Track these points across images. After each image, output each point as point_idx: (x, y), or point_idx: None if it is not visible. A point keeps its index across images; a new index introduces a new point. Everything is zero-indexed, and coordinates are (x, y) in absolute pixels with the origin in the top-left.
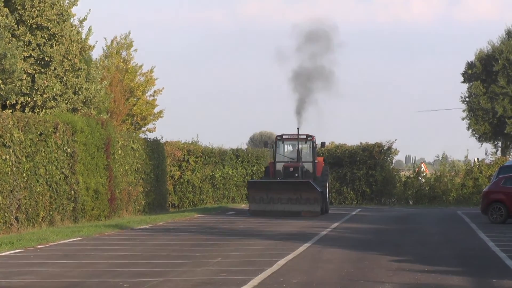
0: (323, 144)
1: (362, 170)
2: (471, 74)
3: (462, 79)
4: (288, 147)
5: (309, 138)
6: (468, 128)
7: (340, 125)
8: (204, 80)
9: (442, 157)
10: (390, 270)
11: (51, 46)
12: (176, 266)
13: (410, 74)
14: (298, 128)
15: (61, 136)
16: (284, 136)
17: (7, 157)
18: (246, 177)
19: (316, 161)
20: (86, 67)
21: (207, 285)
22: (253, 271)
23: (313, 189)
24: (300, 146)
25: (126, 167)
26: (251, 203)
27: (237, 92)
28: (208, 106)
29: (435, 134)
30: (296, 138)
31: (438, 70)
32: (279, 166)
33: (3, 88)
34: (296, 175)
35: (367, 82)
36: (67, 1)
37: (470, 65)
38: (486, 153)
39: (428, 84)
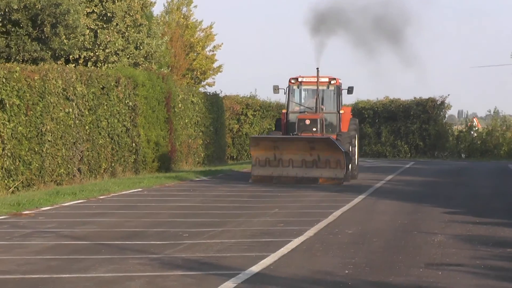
0: (350, 89)
1: (416, 124)
2: None
3: None
4: (306, 94)
5: (332, 82)
6: None
7: (394, 79)
8: (263, 34)
9: (494, 112)
10: (443, 222)
11: (113, 2)
12: (234, 216)
13: (462, 31)
14: (317, 68)
15: (123, 89)
16: (299, 79)
17: (70, 110)
18: None
19: (341, 111)
20: (147, 22)
21: (265, 235)
22: (309, 222)
23: (335, 147)
24: (320, 92)
25: (186, 120)
26: (254, 166)
27: (295, 45)
28: (267, 60)
29: (487, 89)
30: (315, 82)
31: (491, 27)
32: (293, 118)
33: (67, 43)
34: (314, 129)
35: (420, 37)
36: None
37: None
38: None
39: (481, 40)
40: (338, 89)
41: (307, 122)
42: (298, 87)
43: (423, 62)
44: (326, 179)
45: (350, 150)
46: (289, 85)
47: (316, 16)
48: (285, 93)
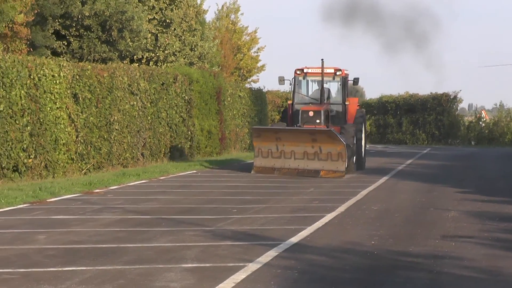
0: (356, 80)
1: (432, 115)
2: None
3: None
4: (313, 85)
5: (337, 73)
6: None
7: (412, 76)
8: (301, 34)
9: (500, 105)
10: (455, 200)
11: (172, 10)
12: (275, 195)
13: (472, 31)
14: (322, 60)
15: (180, 85)
16: (305, 70)
17: (135, 103)
18: None
19: (347, 103)
20: (201, 28)
21: (302, 210)
22: (341, 199)
23: (336, 140)
24: (325, 83)
25: (234, 112)
26: (257, 157)
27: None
28: (304, 57)
29: (494, 85)
30: (320, 73)
31: (498, 28)
32: (298, 109)
33: (131, 45)
34: (318, 121)
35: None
36: None
37: None
38: None
39: (489, 41)
40: (344, 80)
41: (311, 114)
42: (304, 78)
43: (444, 66)
44: (327, 171)
45: (355, 142)
46: (294, 76)
47: (345, 9)
48: (290, 84)
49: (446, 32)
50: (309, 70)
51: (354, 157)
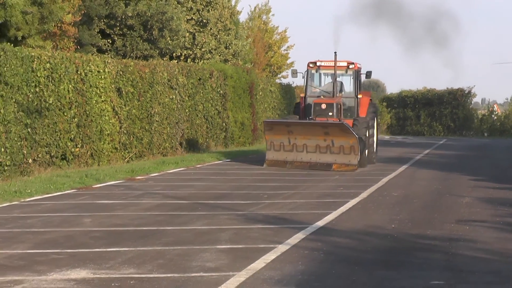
0: (369, 74)
1: (448, 109)
2: None
3: None
4: (325, 78)
5: (350, 67)
6: None
7: (430, 72)
8: (328, 33)
9: (511, 100)
10: (469, 187)
11: (208, 11)
12: (303, 182)
13: (485, 29)
14: (335, 52)
15: (215, 80)
16: (318, 63)
17: (174, 96)
18: None
19: (359, 96)
20: (235, 27)
21: (327, 196)
22: (363, 186)
23: (348, 133)
24: (338, 76)
25: (265, 105)
26: (269, 150)
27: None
28: (330, 54)
29: (506, 81)
30: (333, 66)
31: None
32: (311, 102)
33: (171, 43)
34: (330, 114)
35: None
36: None
37: None
38: None
39: (502, 39)
40: (357, 73)
41: (323, 106)
42: (316, 71)
43: (462, 66)
44: (339, 165)
45: (367, 135)
46: (307, 69)
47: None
48: (303, 77)
49: (465, 32)
50: (322, 63)
51: (366, 150)
